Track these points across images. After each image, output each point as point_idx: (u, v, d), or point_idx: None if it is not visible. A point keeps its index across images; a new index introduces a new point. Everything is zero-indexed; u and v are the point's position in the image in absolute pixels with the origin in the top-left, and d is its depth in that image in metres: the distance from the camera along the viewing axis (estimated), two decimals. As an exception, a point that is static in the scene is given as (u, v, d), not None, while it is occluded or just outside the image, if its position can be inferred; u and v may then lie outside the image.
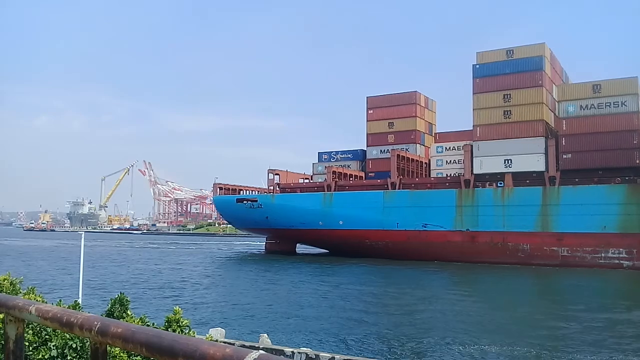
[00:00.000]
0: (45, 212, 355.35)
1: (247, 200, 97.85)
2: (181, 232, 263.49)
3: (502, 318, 38.04)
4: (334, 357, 20.92)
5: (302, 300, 44.87)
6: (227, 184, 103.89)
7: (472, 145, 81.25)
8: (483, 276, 67.09)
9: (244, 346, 13.35)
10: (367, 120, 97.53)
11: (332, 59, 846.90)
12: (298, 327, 33.43)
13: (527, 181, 76.87)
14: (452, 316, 38.23)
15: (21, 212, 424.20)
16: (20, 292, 10.08)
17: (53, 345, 7.31)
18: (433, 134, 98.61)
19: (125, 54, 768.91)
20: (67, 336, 7.27)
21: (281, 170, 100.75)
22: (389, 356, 26.71)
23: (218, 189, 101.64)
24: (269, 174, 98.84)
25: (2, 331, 4.84)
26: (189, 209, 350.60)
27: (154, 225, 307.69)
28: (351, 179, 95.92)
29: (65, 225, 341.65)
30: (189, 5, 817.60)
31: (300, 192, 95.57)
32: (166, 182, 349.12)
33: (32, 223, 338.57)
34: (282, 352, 21.31)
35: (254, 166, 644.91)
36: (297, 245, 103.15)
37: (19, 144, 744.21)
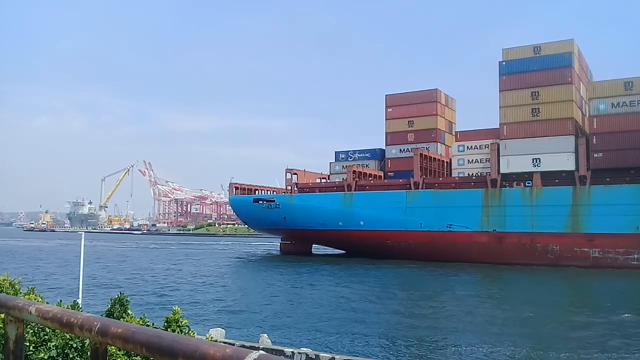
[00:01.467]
0: (46, 212, 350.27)
1: (265, 200, 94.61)
2: (181, 232, 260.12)
3: (534, 321, 35.91)
4: (334, 357, 20.62)
5: (342, 305, 42.26)
6: (243, 184, 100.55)
7: (498, 144, 78.39)
8: (512, 278, 64.52)
9: (244, 346, 13.94)
10: (385, 119, 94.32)
11: (333, 59, 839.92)
12: (332, 331, 31.91)
13: (556, 180, 74.11)
14: (481, 318, 36.53)
15: (21, 213, 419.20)
16: (20, 293, 9.85)
17: (53, 346, 7.15)
18: (453, 133, 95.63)
19: (125, 54, 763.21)
20: (68, 336, 7.12)
21: (299, 170, 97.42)
22: (390, 356, 26.08)
23: (234, 188, 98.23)
24: (287, 173, 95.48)
25: (2, 331, 4.79)
26: (189, 209, 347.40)
27: (154, 225, 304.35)
28: (370, 178, 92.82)
29: (65, 225, 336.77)
30: (189, 5, 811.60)
31: (319, 191, 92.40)
32: (166, 182, 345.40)
33: (32, 223, 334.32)
34: (282, 352, 21.03)
35: (254, 166, 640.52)
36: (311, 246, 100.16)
37: (19, 144, 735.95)
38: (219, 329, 25.64)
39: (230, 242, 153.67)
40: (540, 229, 73.21)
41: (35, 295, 9.56)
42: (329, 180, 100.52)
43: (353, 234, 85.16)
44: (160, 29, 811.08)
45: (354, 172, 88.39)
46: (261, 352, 2.24)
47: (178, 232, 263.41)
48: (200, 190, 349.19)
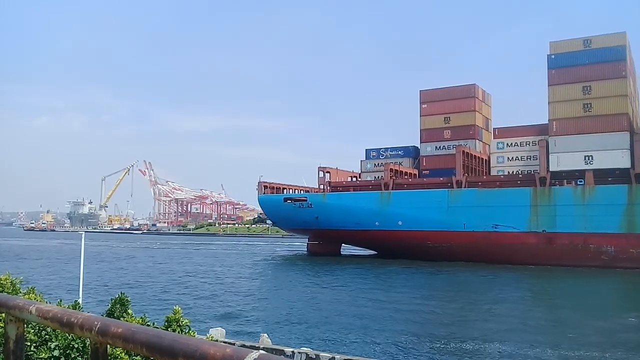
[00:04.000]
0: (47, 212, 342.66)
1: (296, 199, 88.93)
2: (181, 232, 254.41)
3: (593, 326, 32.85)
4: (334, 357, 20.20)
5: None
6: (272, 183, 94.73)
7: (547, 141, 73.44)
8: (564, 280, 59.51)
9: (244, 346, 13.07)
10: (420, 115, 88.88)
11: (334, 59, 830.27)
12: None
13: (610, 179, 69.21)
14: (543, 322, 33.90)
15: (21, 212, 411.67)
16: (20, 292, 9.45)
17: (55, 346, 6.96)
18: (490, 130, 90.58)
19: (125, 53, 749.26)
20: (69, 336, 6.93)
21: (331, 168, 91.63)
22: (390, 356, 25.44)
23: (263, 187, 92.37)
24: (319, 171, 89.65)
25: (2, 331, 4.72)
26: (189, 209, 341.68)
27: (154, 225, 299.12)
28: (406, 176, 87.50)
29: (65, 225, 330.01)
30: (189, 5, 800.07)
31: (353, 190, 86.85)
32: (166, 182, 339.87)
33: (32, 223, 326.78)
34: (282, 352, 20.61)
35: (255, 166, 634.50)
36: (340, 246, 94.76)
37: (19, 144, 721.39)
38: (220, 328, 24.95)
39: (234, 243, 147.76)
40: (593, 230, 68.28)
41: (36, 294, 9.28)
42: (360, 179, 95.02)
43: (390, 235, 79.82)
44: (160, 29, 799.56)
45: (392, 170, 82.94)
46: (261, 351, 2.18)
47: (178, 231, 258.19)
48: (201, 190, 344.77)
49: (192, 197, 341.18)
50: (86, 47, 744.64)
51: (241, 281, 56.96)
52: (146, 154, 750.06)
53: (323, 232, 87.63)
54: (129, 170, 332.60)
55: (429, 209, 77.57)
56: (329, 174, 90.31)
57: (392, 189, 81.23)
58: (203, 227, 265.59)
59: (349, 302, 42.26)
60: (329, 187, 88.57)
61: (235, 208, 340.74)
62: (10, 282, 9.71)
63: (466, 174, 78.76)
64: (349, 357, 20.57)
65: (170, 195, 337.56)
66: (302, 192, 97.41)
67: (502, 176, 77.69)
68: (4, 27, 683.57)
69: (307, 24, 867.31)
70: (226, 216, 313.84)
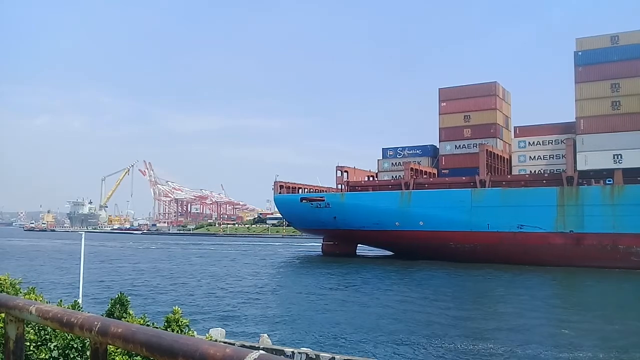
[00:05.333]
0: (48, 212, 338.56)
1: (313, 199, 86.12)
2: (181, 232, 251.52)
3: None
4: (334, 357, 20.00)
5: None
6: (288, 182, 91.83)
7: (574, 139, 71.12)
8: (593, 281, 57.05)
9: (244, 346, 12.32)
10: (439, 114, 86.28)
11: (333, 59, 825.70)
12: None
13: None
14: (571, 329, 31.79)
15: (21, 212, 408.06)
16: (20, 292, 9.39)
17: (54, 346, 6.95)
18: (510, 128, 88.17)
19: (125, 53, 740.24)
20: (69, 337, 6.94)
21: (349, 167, 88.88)
22: (390, 356, 25.00)
23: (279, 187, 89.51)
24: (337, 171, 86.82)
25: (2, 331, 4.71)
26: (189, 209, 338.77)
27: (154, 225, 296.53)
28: (425, 175, 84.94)
29: (65, 225, 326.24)
30: (189, 5, 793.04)
31: (372, 190, 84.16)
32: (166, 182, 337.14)
33: (32, 223, 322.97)
34: (282, 352, 20.34)
35: (255, 166, 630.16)
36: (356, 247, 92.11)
37: (19, 143, 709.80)
38: (219, 328, 24.71)
39: (236, 243, 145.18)
40: (623, 230, 65.99)
41: (36, 295, 8.98)
42: (376, 178, 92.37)
43: (411, 235, 77.21)
44: (160, 29, 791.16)
45: (412, 169, 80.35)
46: (261, 352, 2.17)
47: (178, 232, 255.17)
48: (201, 190, 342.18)
49: (192, 197, 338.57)
50: (86, 47, 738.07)
51: (269, 284, 54.22)
52: (146, 154, 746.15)
53: (340, 232, 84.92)
54: (129, 170, 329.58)
55: (452, 209, 75.07)
56: (346, 173, 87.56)
57: (413, 189, 78.64)
58: (203, 227, 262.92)
59: (390, 306, 39.65)
60: (347, 187, 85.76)
61: (235, 208, 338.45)
62: (10, 282, 9.55)
63: (490, 173, 76.32)
64: (349, 357, 20.22)
65: (170, 195, 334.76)
66: (318, 191, 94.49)
67: (527, 175, 75.27)
68: (4, 27, 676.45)
69: (308, 23, 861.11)
70: (226, 216, 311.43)
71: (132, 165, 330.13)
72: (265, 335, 23.72)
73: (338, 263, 75.04)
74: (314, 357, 20.26)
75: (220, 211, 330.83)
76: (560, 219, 69.91)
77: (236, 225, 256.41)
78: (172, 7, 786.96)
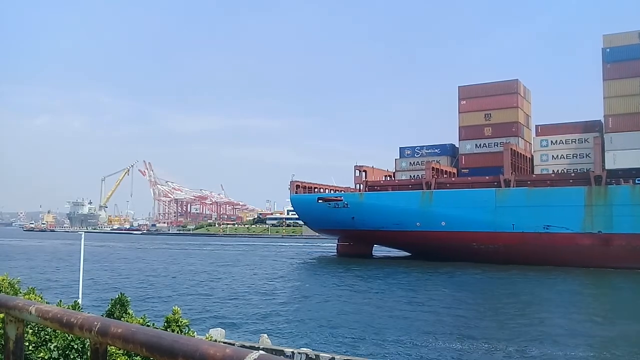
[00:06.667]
0: (48, 212, 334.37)
1: (331, 199, 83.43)
2: (181, 232, 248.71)
3: None
4: (334, 358, 19.65)
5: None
6: (305, 182, 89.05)
7: (602, 138, 68.93)
8: (623, 283, 54.96)
9: (244, 346, 13.10)
10: (459, 112, 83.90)
11: (334, 58, 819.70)
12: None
13: (671, 177, 64.97)
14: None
15: (21, 213, 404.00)
16: (20, 292, 9.34)
17: (54, 346, 6.84)
18: (530, 127, 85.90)
19: (125, 53, 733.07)
20: (69, 337, 6.85)
21: (368, 167, 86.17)
22: (390, 356, 24.43)
23: (295, 186, 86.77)
24: (356, 170, 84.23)
25: (2, 331, 4.65)
26: (189, 209, 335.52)
27: (154, 225, 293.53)
28: (445, 175, 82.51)
29: (65, 225, 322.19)
30: (189, 5, 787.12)
31: (392, 190, 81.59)
32: (166, 182, 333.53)
33: (32, 223, 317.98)
34: (282, 352, 20.07)
35: (255, 166, 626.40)
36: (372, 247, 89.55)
37: (19, 143, 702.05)
38: (219, 329, 24.39)
39: (236, 243, 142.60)
40: (653, 230, 63.88)
41: (35, 295, 9.03)
42: (394, 178, 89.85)
43: (432, 236, 74.71)
44: (160, 29, 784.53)
45: (434, 169, 77.88)
46: (261, 352, 2.15)
47: (178, 232, 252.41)
48: (200, 190, 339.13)
49: (192, 197, 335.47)
50: (86, 47, 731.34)
51: (307, 291, 51.53)
52: (146, 154, 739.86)
53: (358, 232, 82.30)
54: (128, 170, 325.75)
55: (475, 209, 72.67)
56: (365, 172, 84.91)
57: (434, 189, 76.19)
58: (203, 227, 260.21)
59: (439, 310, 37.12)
60: (365, 187, 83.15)
61: (235, 208, 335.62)
62: (9, 282, 9.46)
63: (514, 173, 74.04)
64: (349, 357, 20.00)
65: (170, 195, 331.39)
66: (334, 191, 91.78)
67: (552, 175, 72.95)
68: (4, 27, 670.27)
69: (307, 23, 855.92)
70: (226, 216, 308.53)
71: (132, 166, 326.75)
72: (265, 335, 23.38)
73: (356, 264, 72.52)
74: (314, 357, 19.98)
75: (220, 211, 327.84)
76: (588, 219, 67.65)
77: (236, 225, 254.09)
78: (172, 7, 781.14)
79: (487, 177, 74.44)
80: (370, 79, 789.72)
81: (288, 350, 20.58)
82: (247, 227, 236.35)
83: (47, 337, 7.07)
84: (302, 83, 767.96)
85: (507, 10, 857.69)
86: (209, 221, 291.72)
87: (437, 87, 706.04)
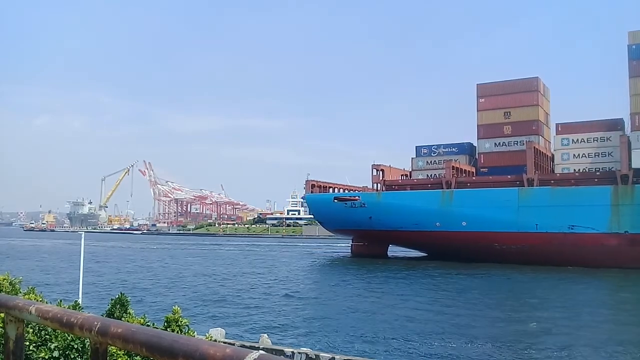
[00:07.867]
0: (49, 212, 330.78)
1: (347, 199, 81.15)
2: (181, 232, 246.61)
3: None
4: (334, 357, 19.25)
5: None
6: (320, 181, 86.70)
7: (629, 137, 67.06)
8: None
9: (244, 346, 12.91)
10: (477, 110, 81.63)
11: (334, 59, 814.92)
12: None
13: (699, 176, 63.14)
14: None
15: (21, 212, 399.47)
16: (20, 292, 9.15)
17: (55, 346, 6.77)
18: (549, 125, 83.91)
19: (125, 53, 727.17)
20: (69, 337, 6.80)
21: (385, 166, 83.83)
22: (390, 356, 24.00)
23: (311, 186, 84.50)
24: (373, 169, 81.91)
25: (2, 331, 4.53)
26: (189, 209, 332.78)
27: (154, 225, 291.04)
28: (464, 174, 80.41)
29: (65, 225, 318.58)
30: (190, 5, 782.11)
31: (410, 189, 79.44)
32: (166, 182, 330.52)
33: (32, 223, 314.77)
34: (282, 352, 19.68)
35: (255, 166, 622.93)
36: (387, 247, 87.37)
37: (19, 144, 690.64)
38: (219, 328, 24.03)
39: (234, 243, 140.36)
40: (682, 230, 62.08)
41: (36, 295, 8.83)
42: (410, 177, 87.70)
43: (453, 236, 72.62)
44: (160, 29, 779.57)
45: (454, 168, 75.80)
46: (261, 352, 2.13)
47: (178, 232, 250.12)
48: (200, 190, 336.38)
49: (192, 197, 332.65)
50: (86, 47, 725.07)
51: (328, 293, 49.31)
52: (146, 154, 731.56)
53: (374, 232, 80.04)
54: (128, 170, 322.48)
55: (497, 209, 70.59)
56: (382, 172, 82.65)
57: (454, 188, 74.12)
58: (203, 227, 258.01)
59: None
60: (383, 186, 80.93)
61: (235, 208, 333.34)
62: (9, 282, 9.40)
63: (537, 172, 72.07)
64: (349, 357, 19.77)
65: (170, 195, 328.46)
66: (349, 191, 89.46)
67: (576, 174, 70.96)
68: (4, 27, 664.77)
69: (307, 23, 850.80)
70: (226, 216, 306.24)
71: (132, 166, 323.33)
72: (265, 335, 23.15)
73: (373, 264, 70.50)
74: (314, 357, 19.81)
75: (220, 211, 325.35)
76: (614, 219, 65.71)
77: (236, 225, 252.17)
78: (172, 7, 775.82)
79: (509, 177, 72.40)
80: (371, 78, 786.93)
81: (288, 350, 20.43)
82: (247, 227, 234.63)
83: (48, 336, 6.98)
84: (302, 83, 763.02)
85: (507, 10, 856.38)
86: (209, 221, 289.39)
87: (437, 87, 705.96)
